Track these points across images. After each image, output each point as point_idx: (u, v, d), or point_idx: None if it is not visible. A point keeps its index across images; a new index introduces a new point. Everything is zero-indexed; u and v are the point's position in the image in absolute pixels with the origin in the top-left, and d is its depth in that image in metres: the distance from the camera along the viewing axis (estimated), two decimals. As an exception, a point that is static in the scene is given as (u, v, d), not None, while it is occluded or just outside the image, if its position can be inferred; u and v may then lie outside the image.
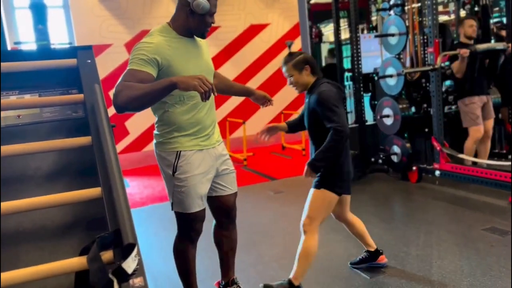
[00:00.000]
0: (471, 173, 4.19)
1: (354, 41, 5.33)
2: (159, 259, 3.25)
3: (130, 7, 7.29)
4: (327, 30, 7.96)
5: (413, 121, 4.86)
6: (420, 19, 4.82)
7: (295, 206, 3.76)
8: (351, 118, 6.01)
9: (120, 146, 7.19)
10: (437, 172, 4.51)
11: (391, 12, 4.88)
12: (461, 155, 4.40)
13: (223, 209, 2.38)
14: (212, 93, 1.81)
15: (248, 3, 8.10)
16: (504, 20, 5.36)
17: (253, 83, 7.96)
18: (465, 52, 4.24)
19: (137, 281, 1.20)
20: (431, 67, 4.36)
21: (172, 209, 2.23)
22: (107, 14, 7.15)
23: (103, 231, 1.32)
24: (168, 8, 7.41)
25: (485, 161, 4.39)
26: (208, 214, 2.34)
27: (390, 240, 3.31)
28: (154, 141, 2.22)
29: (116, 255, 1.28)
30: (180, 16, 2.10)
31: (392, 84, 4.81)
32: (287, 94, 7.87)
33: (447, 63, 4.85)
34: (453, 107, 5.11)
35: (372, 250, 2.82)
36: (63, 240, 1.54)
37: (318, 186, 2.47)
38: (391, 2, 4.85)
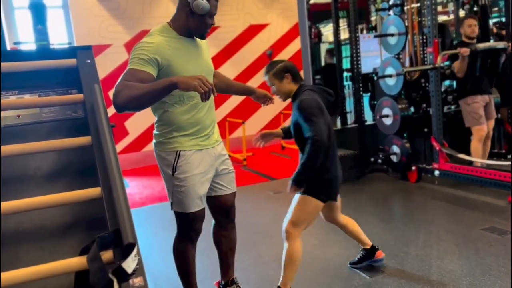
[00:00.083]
0: (471, 173, 4.19)
1: (354, 41, 5.34)
2: (158, 259, 3.25)
3: (129, 7, 7.29)
4: (327, 30, 7.97)
5: (413, 121, 4.87)
6: (420, 19, 4.83)
7: (295, 206, 3.75)
8: (350, 118, 6.03)
9: (119, 146, 7.19)
10: (437, 172, 4.52)
11: (391, 12, 4.88)
12: (461, 155, 4.39)
13: (222, 208, 2.38)
14: (212, 94, 1.82)
15: (247, 3, 8.10)
16: (503, 19, 5.37)
17: (253, 83, 7.96)
18: (465, 51, 4.24)
19: (137, 280, 1.20)
20: (431, 66, 4.36)
21: (171, 209, 2.24)
22: (107, 14, 7.14)
23: (103, 231, 1.32)
24: (167, 8, 7.41)
25: (484, 161, 4.38)
26: (208, 214, 2.34)
27: (389, 240, 3.31)
28: (154, 141, 2.22)
29: (116, 255, 1.28)
30: (180, 16, 2.10)
31: (391, 84, 4.81)
32: (287, 94, 7.86)
33: (446, 63, 4.85)
34: (453, 107, 5.12)
35: (368, 247, 2.82)
36: (63, 240, 1.53)
37: (303, 191, 2.42)
38: (391, 2, 4.85)
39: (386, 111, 4.90)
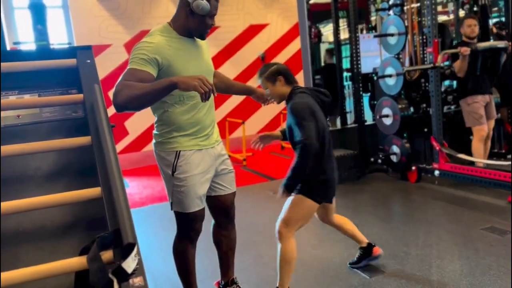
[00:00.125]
0: (471, 173, 4.19)
1: (353, 41, 5.34)
2: (158, 259, 3.25)
3: (129, 7, 7.29)
4: (326, 30, 7.98)
5: (412, 121, 4.87)
6: (419, 19, 4.83)
7: (295, 206, 3.75)
8: (350, 118, 6.03)
9: (119, 146, 7.19)
10: (436, 172, 4.52)
11: (390, 12, 4.88)
12: (461, 155, 4.39)
13: (221, 208, 2.39)
14: (212, 94, 1.82)
15: (247, 3, 8.10)
16: (503, 19, 5.37)
17: (253, 83, 7.89)
18: (465, 50, 4.23)
19: (137, 280, 1.20)
20: (431, 65, 4.35)
21: (171, 209, 2.24)
22: (106, 14, 7.15)
23: (103, 231, 1.32)
24: (167, 8, 7.41)
25: (484, 160, 4.38)
26: (207, 214, 2.34)
27: (389, 239, 3.31)
28: (154, 141, 2.22)
29: (116, 255, 1.27)
30: (180, 16, 2.10)
31: (391, 84, 4.81)
32: (287, 94, 7.86)
33: (446, 63, 4.85)
34: (452, 107, 5.12)
35: (365, 245, 2.82)
36: (63, 240, 1.53)
37: (298, 191, 2.41)
38: (390, 2, 4.86)
39: (386, 111, 4.90)
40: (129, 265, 1.17)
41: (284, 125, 6.39)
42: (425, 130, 4.75)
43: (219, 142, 2.32)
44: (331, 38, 6.72)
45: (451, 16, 6.11)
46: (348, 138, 5.49)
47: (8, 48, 6.16)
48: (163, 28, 2.11)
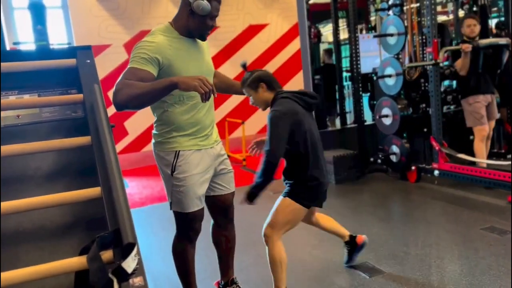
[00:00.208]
0: (470, 172, 4.19)
1: (353, 41, 5.34)
2: (158, 259, 3.25)
3: (129, 7, 7.29)
4: (326, 30, 7.99)
5: (412, 121, 4.87)
6: (419, 19, 4.83)
7: (294, 206, 3.75)
8: (350, 118, 6.03)
9: (119, 146, 7.18)
10: (436, 172, 4.52)
11: (390, 12, 4.89)
12: (460, 155, 4.39)
13: (221, 208, 2.39)
14: (212, 94, 1.82)
15: (246, 3, 8.10)
16: (503, 19, 5.38)
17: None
18: (467, 47, 4.22)
19: (136, 280, 1.20)
20: (432, 61, 4.34)
21: (170, 209, 2.24)
22: (106, 15, 7.14)
23: (103, 231, 1.32)
24: (167, 8, 7.40)
25: (484, 160, 4.38)
26: (207, 213, 2.34)
27: (389, 239, 3.31)
28: (153, 140, 2.22)
29: (116, 255, 1.28)
30: (181, 16, 2.10)
31: (391, 84, 4.81)
32: (286, 94, 7.86)
33: (446, 63, 4.85)
34: (452, 107, 5.12)
35: (347, 239, 2.80)
36: (63, 240, 1.53)
37: (286, 195, 2.38)
38: (390, 2, 4.86)
39: (386, 111, 4.90)
40: (129, 265, 1.17)
41: None
42: (425, 130, 4.75)
43: (218, 142, 2.33)
44: (330, 38, 6.73)
45: (451, 16, 6.11)
46: (347, 138, 5.49)
47: (8, 48, 6.16)
48: (164, 28, 2.11)
